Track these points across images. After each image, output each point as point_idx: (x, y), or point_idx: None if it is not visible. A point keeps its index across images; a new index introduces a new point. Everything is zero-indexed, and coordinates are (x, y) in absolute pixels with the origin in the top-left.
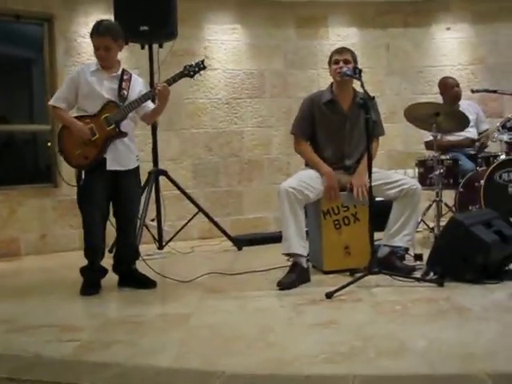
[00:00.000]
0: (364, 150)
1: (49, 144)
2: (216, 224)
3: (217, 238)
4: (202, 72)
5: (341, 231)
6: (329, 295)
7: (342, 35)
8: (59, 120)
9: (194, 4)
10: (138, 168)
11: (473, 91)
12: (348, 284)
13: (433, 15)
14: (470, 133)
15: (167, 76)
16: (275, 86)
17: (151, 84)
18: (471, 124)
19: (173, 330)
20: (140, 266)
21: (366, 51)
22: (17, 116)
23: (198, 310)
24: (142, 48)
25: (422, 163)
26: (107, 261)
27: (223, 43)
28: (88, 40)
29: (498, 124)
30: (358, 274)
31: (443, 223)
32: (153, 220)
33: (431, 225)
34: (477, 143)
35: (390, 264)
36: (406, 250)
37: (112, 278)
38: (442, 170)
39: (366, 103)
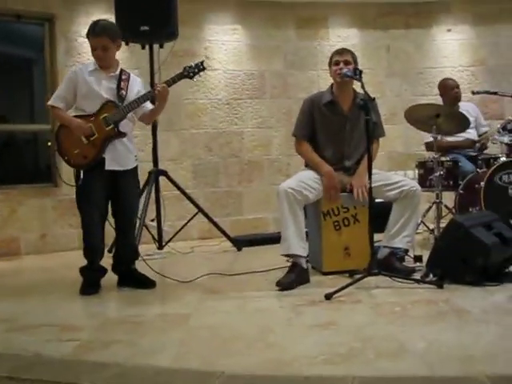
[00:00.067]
0: (364, 151)
1: (49, 144)
2: (216, 224)
3: (216, 238)
4: (201, 73)
5: (340, 232)
6: (328, 296)
7: (342, 36)
8: (58, 119)
9: (194, 5)
10: (136, 168)
11: (473, 93)
12: (347, 285)
13: (434, 17)
14: (470, 134)
15: (167, 76)
16: (275, 87)
17: (151, 84)
18: (471, 125)
19: (172, 330)
20: (139, 265)
21: (367, 52)
22: (17, 116)
23: (198, 311)
24: (143, 48)
25: (422, 165)
26: (107, 260)
27: (224, 44)
28: None
29: (498, 126)
30: (358, 276)
31: (443, 225)
32: (153, 220)
33: (431, 226)
34: (477, 144)
35: (390, 265)
36: (406, 251)
37: (111, 277)
38: (442, 172)
39: (367, 104)
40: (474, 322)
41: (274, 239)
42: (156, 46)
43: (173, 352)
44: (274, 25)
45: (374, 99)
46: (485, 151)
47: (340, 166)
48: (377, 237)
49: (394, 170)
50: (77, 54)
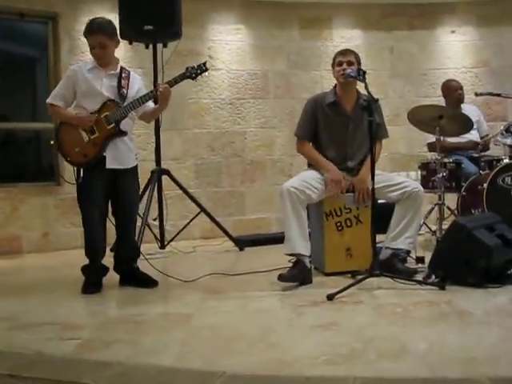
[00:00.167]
0: (367, 151)
1: (52, 142)
2: (218, 224)
3: (219, 238)
4: (204, 74)
5: (343, 233)
6: (330, 297)
7: (345, 37)
8: (57, 117)
9: (198, 4)
10: (136, 167)
11: (476, 94)
12: (349, 286)
13: (438, 18)
14: (473, 136)
15: (171, 76)
16: (278, 87)
17: (155, 84)
18: (474, 127)
19: (174, 329)
20: (141, 265)
21: (370, 53)
22: (20, 114)
23: (200, 310)
24: (147, 47)
25: (424, 166)
26: (108, 259)
27: (227, 44)
28: None
29: (501, 128)
30: (360, 276)
31: (445, 226)
32: (155, 219)
33: (433, 228)
34: (479, 146)
35: (392, 266)
36: (408, 252)
37: (113, 276)
38: (444, 173)
39: (370, 105)
40: (476, 323)
41: (277, 239)
42: (160, 46)
43: (175, 352)
44: (277, 25)
45: (377, 100)
46: (487, 152)
47: (343, 166)
48: (379, 238)
49: (396, 171)
50: (80, 52)
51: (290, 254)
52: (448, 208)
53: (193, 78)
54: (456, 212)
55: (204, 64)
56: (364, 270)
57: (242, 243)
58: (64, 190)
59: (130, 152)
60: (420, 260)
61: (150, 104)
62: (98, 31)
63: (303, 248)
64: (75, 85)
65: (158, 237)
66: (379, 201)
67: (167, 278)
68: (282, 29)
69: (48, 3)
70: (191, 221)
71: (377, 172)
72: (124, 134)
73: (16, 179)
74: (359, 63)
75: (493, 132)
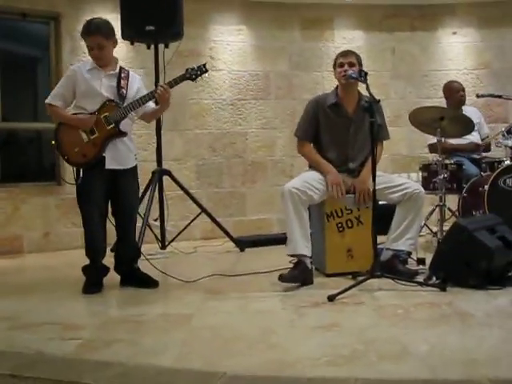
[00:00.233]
0: (368, 153)
1: (53, 142)
2: (219, 225)
3: (219, 238)
4: (204, 76)
5: (344, 234)
6: (331, 298)
7: (347, 38)
8: (57, 118)
9: (200, 5)
10: (136, 167)
11: (478, 96)
12: (350, 287)
13: (439, 19)
14: (474, 137)
15: (172, 76)
16: (280, 88)
17: (156, 84)
18: (475, 128)
19: (174, 330)
20: (142, 265)
21: (372, 54)
22: (22, 114)
23: (200, 311)
24: (148, 48)
25: (425, 167)
26: (109, 259)
27: (229, 44)
28: None
29: (502, 129)
30: (361, 278)
31: (446, 228)
32: (156, 220)
33: (434, 229)
34: (480, 148)
35: (393, 268)
36: (409, 253)
37: (114, 276)
38: (445, 175)
39: (371, 106)
40: (477, 325)
41: (278, 240)
42: (161, 46)
43: (175, 352)
44: (279, 26)
45: (378, 101)
46: (488, 153)
47: (344, 168)
48: (380, 239)
49: (397, 173)
50: (82, 52)
51: (292, 255)
52: (449, 209)
53: (192, 80)
54: (457, 213)
55: (204, 65)
56: (365, 271)
57: (242, 244)
58: (65, 190)
59: (129, 152)
60: (421, 261)
61: (151, 104)
62: (95, 32)
63: (305, 249)
64: (75, 85)
65: (159, 237)
66: (380, 202)
67: (168, 278)
68: (283, 30)
69: (50, 3)
70: (192, 221)
71: (378, 173)
72: (124, 134)
73: (17, 179)
74: (360, 64)
75: (493, 134)
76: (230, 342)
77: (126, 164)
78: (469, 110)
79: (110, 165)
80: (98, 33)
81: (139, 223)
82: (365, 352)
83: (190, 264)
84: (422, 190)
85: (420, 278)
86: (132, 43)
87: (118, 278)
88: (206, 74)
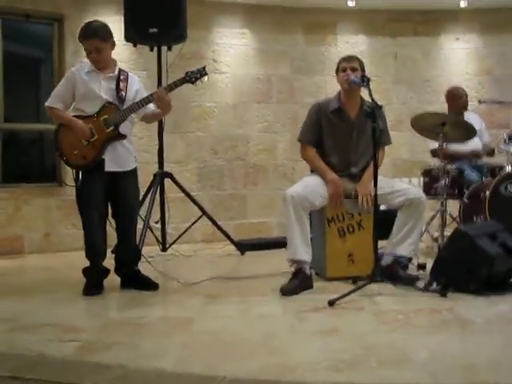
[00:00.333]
0: (370, 158)
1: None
2: (219, 228)
3: (220, 241)
4: (203, 79)
5: (345, 239)
6: (331, 303)
7: (350, 42)
8: (58, 119)
9: (203, 7)
10: (136, 169)
11: (480, 102)
12: (351, 292)
13: (442, 25)
14: (476, 143)
15: (175, 79)
16: (282, 92)
17: (158, 86)
18: (477, 134)
19: (175, 333)
20: (142, 267)
21: (374, 59)
22: (24, 115)
23: (200, 314)
24: (151, 50)
25: (427, 173)
26: (110, 261)
27: (231, 47)
28: None
29: (504, 135)
30: (361, 282)
31: (447, 233)
32: (157, 222)
33: (435, 235)
34: (481, 155)
35: (394, 273)
36: (410, 259)
37: (115, 278)
38: (447, 180)
39: (374, 112)
40: (478, 331)
41: (278, 244)
42: (164, 48)
43: (175, 355)
44: (281, 29)
45: (381, 107)
46: (490, 159)
47: (346, 172)
48: (381, 244)
49: (398, 177)
50: (85, 54)
51: (291, 260)
52: (450, 215)
53: (192, 83)
54: (458, 219)
55: (203, 68)
56: (365, 276)
57: (243, 247)
58: (67, 191)
59: (129, 154)
60: (422, 267)
61: (151, 106)
62: (93, 35)
63: (305, 254)
64: (74, 87)
65: (160, 239)
66: (381, 207)
67: (168, 281)
68: (286, 34)
69: (54, 5)
70: (193, 224)
71: (379, 178)
72: (123, 137)
73: (19, 180)
74: (363, 70)
75: (495, 140)
76: (231, 345)
77: (125, 166)
78: (470, 117)
79: (109, 167)
80: (95, 36)
81: (140, 225)
82: (365, 357)
83: (190, 267)
84: (424, 195)
85: (421, 284)
86: (135, 45)
87: (118, 279)
88: (206, 77)
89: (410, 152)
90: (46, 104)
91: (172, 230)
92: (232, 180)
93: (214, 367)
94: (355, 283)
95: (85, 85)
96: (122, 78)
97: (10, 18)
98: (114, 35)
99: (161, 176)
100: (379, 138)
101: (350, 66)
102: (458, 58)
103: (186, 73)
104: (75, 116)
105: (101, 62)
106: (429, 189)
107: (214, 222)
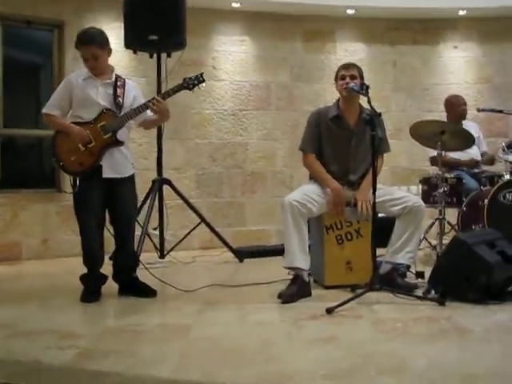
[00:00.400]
0: (369, 165)
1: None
2: (218, 235)
3: (218, 248)
4: (201, 85)
5: (343, 246)
6: (329, 310)
7: (349, 50)
8: (55, 126)
9: (203, 15)
10: (133, 175)
11: (479, 110)
12: (349, 300)
13: (440, 33)
14: (474, 151)
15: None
16: (281, 99)
17: (158, 94)
18: (476, 142)
19: (173, 340)
20: (140, 274)
21: (373, 67)
22: (23, 120)
23: (198, 322)
24: (151, 57)
25: (426, 181)
26: (108, 268)
27: (231, 54)
28: None
29: (502, 143)
30: (360, 290)
31: (446, 241)
32: (155, 229)
33: (434, 243)
34: (480, 164)
35: (392, 281)
36: (408, 267)
37: (113, 285)
38: (445, 188)
39: (373, 119)
40: (476, 340)
41: (276, 251)
42: (164, 55)
43: (173, 363)
44: (281, 37)
45: (380, 114)
46: (488, 168)
47: (345, 180)
48: (379, 252)
49: (397, 185)
50: None
51: (289, 268)
52: (448, 223)
53: (190, 89)
54: (456, 227)
55: (201, 75)
56: (364, 283)
57: (241, 254)
58: (65, 197)
59: (126, 161)
60: (420, 275)
61: (149, 112)
62: (89, 42)
63: (302, 262)
64: (71, 94)
65: (158, 246)
66: (380, 215)
67: (166, 287)
68: (285, 41)
69: (55, 11)
70: (191, 231)
71: (378, 186)
72: (121, 143)
73: (18, 185)
74: (362, 77)
75: (494, 148)
76: (229, 353)
77: (123, 172)
78: (469, 125)
79: (107, 173)
80: (92, 43)
81: (138, 232)
82: (363, 365)
83: (188, 274)
84: (422, 203)
85: (419, 292)
86: (135, 52)
87: (116, 286)
88: (204, 84)
89: (408, 160)
90: (43, 111)
91: (170, 236)
92: (230, 187)
93: (212, 374)
94: (353, 291)
95: (82, 91)
96: (119, 84)
97: (11, 24)
98: (114, 42)
99: (159, 183)
100: (378, 146)
101: (349, 74)
102: (457, 66)
103: (184, 79)
104: (73, 123)
105: (98, 68)
106: (427, 197)
107: (213, 229)
